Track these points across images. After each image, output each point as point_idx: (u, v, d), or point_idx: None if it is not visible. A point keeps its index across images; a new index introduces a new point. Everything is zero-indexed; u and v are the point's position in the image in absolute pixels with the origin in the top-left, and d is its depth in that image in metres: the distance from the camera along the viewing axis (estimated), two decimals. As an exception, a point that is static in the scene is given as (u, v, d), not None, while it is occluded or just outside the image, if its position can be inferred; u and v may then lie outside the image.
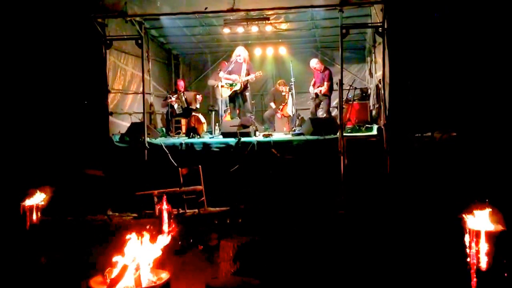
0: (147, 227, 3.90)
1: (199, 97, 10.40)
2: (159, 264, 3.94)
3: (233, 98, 9.68)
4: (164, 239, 3.94)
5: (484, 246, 3.59)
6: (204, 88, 11.95)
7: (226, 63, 10.20)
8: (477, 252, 3.63)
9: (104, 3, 8.10)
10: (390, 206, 6.46)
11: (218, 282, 4.02)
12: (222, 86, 9.57)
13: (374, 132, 8.47)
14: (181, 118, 10.23)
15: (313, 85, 9.95)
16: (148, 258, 3.67)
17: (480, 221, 3.73)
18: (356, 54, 12.01)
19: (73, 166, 7.45)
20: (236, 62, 9.46)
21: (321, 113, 10.01)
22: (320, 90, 9.71)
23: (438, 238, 4.88)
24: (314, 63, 9.97)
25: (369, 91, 10.97)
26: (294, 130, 9.24)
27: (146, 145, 8.18)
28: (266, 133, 9.04)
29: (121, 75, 9.53)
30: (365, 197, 7.04)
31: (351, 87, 10.27)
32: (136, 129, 8.59)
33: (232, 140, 8.19)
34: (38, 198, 5.75)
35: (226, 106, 9.99)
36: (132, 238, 3.69)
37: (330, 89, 9.70)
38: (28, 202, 5.67)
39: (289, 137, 8.69)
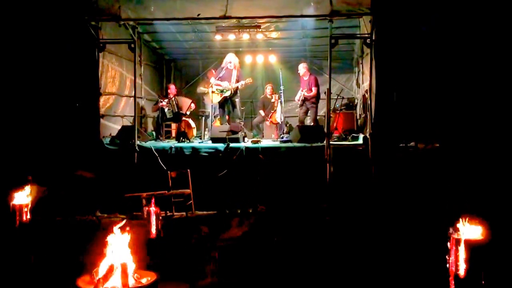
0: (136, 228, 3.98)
1: (193, 105, 10.49)
2: (146, 264, 4.03)
3: (223, 104, 9.77)
4: (151, 241, 4.04)
5: (463, 254, 3.69)
6: (195, 94, 12.06)
7: (214, 71, 10.30)
8: (457, 259, 3.73)
9: (98, 6, 8.15)
10: (374, 213, 6.57)
11: (204, 284, 4.11)
12: (212, 92, 9.68)
13: (360, 141, 8.61)
14: (171, 123, 10.31)
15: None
16: (135, 259, 3.74)
17: (461, 229, 3.82)
18: (344, 64, 12.14)
19: (64, 167, 7.49)
20: (227, 69, 9.56)
21: (308, 121, 10.15)
22: (305, 94, 9.83)
23: (420, 245, 4.98)
24: (301, 67, 10.09)
25: (356, 101, 11.14)
26: (282, 137, 9.32)
27: (136, 148, 8.26)
28: (255, 139, 9.15)
29: (115, 78, 9.58)
30: (350, 204, 7.13)
31: (338, 97, 10.45)
32: (126, 132, 8.64)
33: (221, 145, 8.28)
34: (28, 198, 5.78)
35: (216, 112, 10.09)
36: (119, 238, 3.75)
37: (318, 95, 9.84)
38: (18, 202, 5.71)
39: (277, 143, 8.79)
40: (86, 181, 7.33)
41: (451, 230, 3.86)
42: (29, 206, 5.75)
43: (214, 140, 8.67)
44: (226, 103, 9.73)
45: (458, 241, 3.75)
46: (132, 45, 8.50)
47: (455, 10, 7.59)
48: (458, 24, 7.59)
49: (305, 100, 9.90)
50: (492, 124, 7.26)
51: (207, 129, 10.12)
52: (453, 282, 3.76)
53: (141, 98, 10.76)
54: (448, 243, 3.80)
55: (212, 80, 9.70)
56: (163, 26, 9.94)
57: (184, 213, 7.38)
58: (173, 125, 10.32)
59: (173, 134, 10.25)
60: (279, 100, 10.22)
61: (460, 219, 3.87)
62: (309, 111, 9.95)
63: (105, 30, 8.73)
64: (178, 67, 13.21)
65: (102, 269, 3.61)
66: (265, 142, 9.02)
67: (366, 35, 8.01)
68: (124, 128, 8.99)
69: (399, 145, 7.64)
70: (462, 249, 3.71)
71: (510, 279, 4.09)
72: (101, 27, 8.50)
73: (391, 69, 7.71)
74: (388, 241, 5.40)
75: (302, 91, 9.92)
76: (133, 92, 8.96)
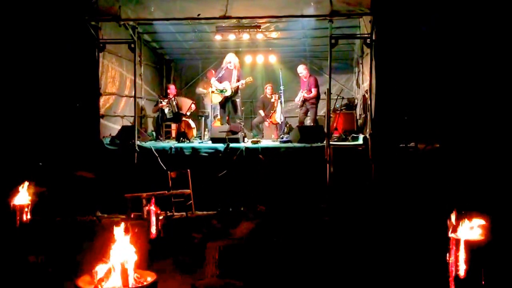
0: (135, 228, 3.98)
1: (193, 106, 10.49)
2: (146, 265, 4.02)
3: (223, 104, 9.76)
4: (151, 241, 4.04)
5: (462, 254, 3.70)
6: (195, 94, 12.07)
7: (214, 71, 10.31)
8: (457, 259, 3.74)
9: (98, 6, 8.14)
10: (373, 213, 6.58)
11: (204, 284, 4.11)
12: (212, 92, 9.68)
13: (360, 141, 8.60)
14: (171, 123, 10.31)
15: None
16: (135, 259, 3.75)
17: (461, 229, 3.83)
18: (344, 64, 12.12)
19: (64, 167, 7.49)
20: (227, 69, 9.56)
21: (308, 122, 10.15)
22: (305, 95, 9.83)
23: (420, 245, 4.98)
24: (302, 69, 10.11)
25: (356, 101, 11.13)
26: (282, 138, 9.31)
27: (136, 148, 8.26)
28: (255, 139, 9.15)
29: (115, 78, 9.58)
30: (349, 204, 7.13)
31: (338, 97, 10.45)
32: (126, 132, 8.64)
33: (220, 146, 8.28)
34: (28, 198, 5.79)
35: (216, 112, 10.09)
36: (119, 239, 3.75)
37: (318, 96, 9.84)
38: (18, 202, 5.71)
39: (277, 144, 8.79)
40: (86, 181, 7.33)
41: (450, 229, 3.86)
42: (29, 206, 5.76)
43: (214, 140, 8.68)
44: (227, 103, 9.72)
45: (458, 242, 3.75)
46: (132, 45, 8.50)
47: (455, 10, 7.59)
48: (458, 24, 7.59)
49: (305, 101, 9.92)
50: (492, 125, 7.27)
51: (207, 129, 10.13)
52: (453, 283, 3.77)
53: (141, 98, 10.77)
54: (448, 244, 3.81)
55: (213, 80, 9.70)
56: (163, 26, 9.92)
57: (184, 213, 7.38)
58: (173, 125, 10.33)
59: (173, 135, 10.25)
60: (279, 100, 10.23)
61: (460, 219, 3.87)
62: (309, 112, 9.96)
63: (105, 30, 8.72)
64: (178, 67, 13.19)
65: (102, 269, 3.61)
66: (265, 143, 9.02)
67: (366, 35, 8.01)
68: (124, 128, 8.99)
69: (399, 146, 7.64)
70: (462, 249, 3.71)
71: (510, 279, 4.09)
72: (101, 27, 8.50)
73: (391, 69, 7.71)
74: (388, 241, 5.40)
75: (302, 92, 9.93)
76: (133, 92, 8.96)
